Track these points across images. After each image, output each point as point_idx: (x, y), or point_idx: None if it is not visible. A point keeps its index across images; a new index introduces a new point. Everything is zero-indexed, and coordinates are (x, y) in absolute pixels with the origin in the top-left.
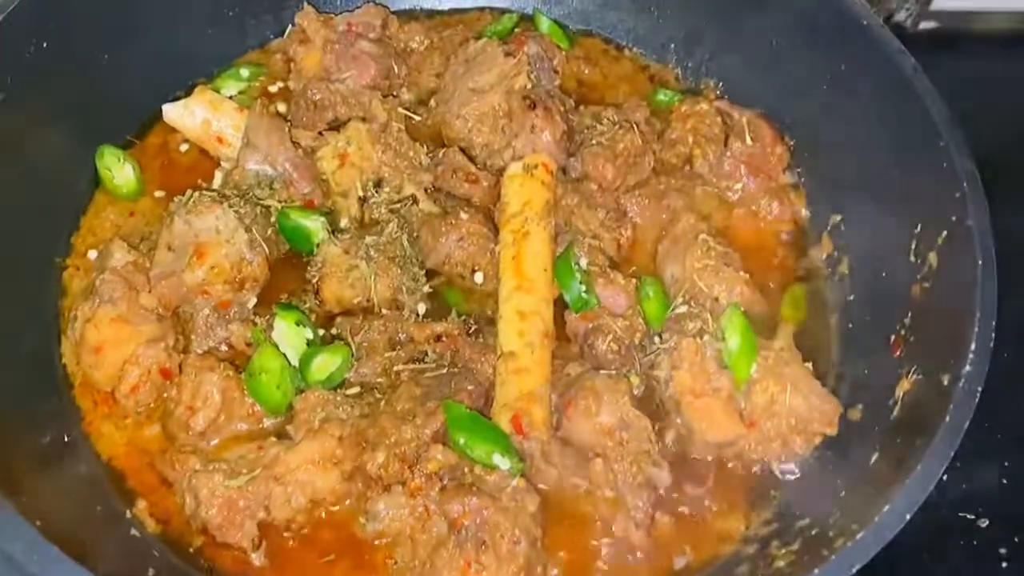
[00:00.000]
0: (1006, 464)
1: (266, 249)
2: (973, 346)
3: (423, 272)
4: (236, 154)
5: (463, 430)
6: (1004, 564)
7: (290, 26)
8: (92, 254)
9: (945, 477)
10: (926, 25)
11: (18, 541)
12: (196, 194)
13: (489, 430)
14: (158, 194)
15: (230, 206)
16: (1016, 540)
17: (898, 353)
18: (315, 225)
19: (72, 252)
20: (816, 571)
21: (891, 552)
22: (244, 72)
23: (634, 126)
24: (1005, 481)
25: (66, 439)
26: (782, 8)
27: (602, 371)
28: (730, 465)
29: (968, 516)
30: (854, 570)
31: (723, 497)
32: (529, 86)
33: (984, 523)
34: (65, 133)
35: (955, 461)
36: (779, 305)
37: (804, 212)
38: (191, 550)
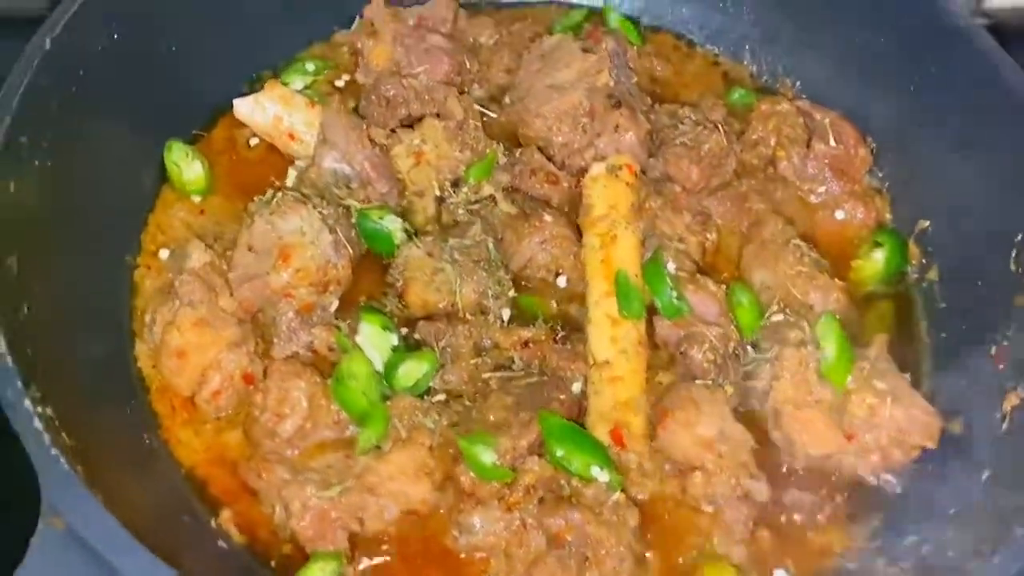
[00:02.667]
0: None
1: (350, 251)
2: None
3: (508, 276)
4: (308, 151)
5: (561, 442)
6: None
7: (357, 18)
8: (163, 253)
9: None
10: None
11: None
12: (278, 194)
13: (587, 442)
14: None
15: (313, 207)
16: None
17: (1002, 366)
18: (395, 226)
19: (142, 251)
20: None
21: None
22: (310, 66)
23: (718, 126)
24: None
25: (146, 442)
26: (867, 4)
27: (697, 380)
28: (832, 479)
29: None
30: None
31: (822, 511)
32: (612, 84)
33: None
34: (129, 126)
35: None
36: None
37: (888, 216)
38: (272, 564)
